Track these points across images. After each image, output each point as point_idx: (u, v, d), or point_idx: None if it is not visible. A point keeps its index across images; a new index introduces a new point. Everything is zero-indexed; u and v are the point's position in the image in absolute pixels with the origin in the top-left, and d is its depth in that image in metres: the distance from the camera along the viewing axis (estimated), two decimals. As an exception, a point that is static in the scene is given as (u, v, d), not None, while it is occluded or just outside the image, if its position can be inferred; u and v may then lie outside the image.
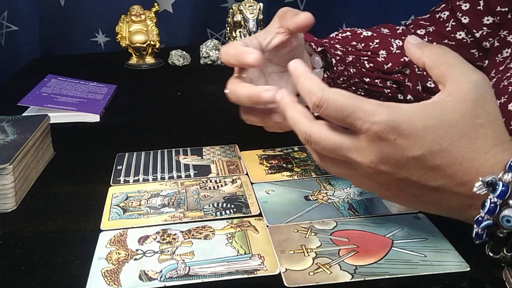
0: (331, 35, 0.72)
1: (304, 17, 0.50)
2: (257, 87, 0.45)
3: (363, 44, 0.69)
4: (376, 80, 0.68)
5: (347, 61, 0.67)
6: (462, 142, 0.37)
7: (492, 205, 0.37)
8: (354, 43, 0.69)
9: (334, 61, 0.63)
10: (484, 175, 0.37)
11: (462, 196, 0.39)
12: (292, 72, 0.41)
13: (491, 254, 0.39)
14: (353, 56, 0.67)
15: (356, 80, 0.67)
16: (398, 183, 0.39)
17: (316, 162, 0.43)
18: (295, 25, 0.51)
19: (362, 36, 0.70)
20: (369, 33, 0.70)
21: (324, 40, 0.69)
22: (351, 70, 0.67)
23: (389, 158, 0.37)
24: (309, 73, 0.40)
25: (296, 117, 0.40)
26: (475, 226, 0.38)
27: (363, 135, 0.37)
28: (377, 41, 0.69)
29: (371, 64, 0.68)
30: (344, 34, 0.71)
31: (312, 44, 0.64)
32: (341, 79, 0.66)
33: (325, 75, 0.64)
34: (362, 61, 0.68)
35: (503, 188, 0.36)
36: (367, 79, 0.68)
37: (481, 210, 0.37)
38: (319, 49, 0.64)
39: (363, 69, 0.68)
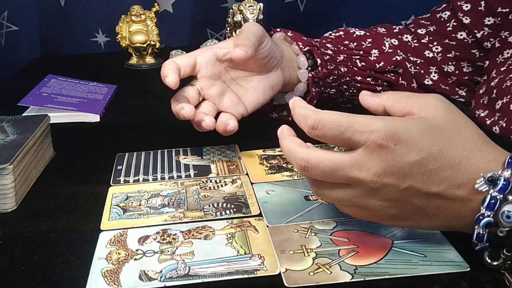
0: (325, 35, 0.72)
1: (238, 54, 0.54)
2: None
3: (355, 43, 0.69)
4: (368, 79, 0.68)
5: (338, 60, 0.67)
6: (455, 142, 0.38)
7: (493, 200, 0.37)
8: (346, 42, 0.69)
9: (319, 61, 0.63)
10: (482, 172, 0.38)
11: (463, 199, 0.39)
12: (290, 106, 0.42)
13: (489, 261, 0.39)
14: (345, 55, 0.68)
15: (348, 79, 0.67)
16: (402, 195, 0.39)
17: (313, 193, 0.44)
18: (229, 57, 0.56)
19: (355, 35, 0.70)
20: (362, 33, 0.70)
21: (316, 40, 0.69)
22: (342, 69, 0.67)
23: (392, 167, 0.37)
24: (303, 102, 0.41)
25: (291, 147, 0.41)
26: (476, 226, 0.38)
27: (362, 148, 0.37)
28: (370, 40, 0.69)
29: (363, 63, 0.68)
30: (337, 34, 0.72)
31: (300, 43, 0.64)
32: (331, 78, 0.66)
33: (310, 75, 0.64)
34: (354, 60, 0.68)
35: (504, 183, 0.37)
36: (359, 78, 0.68)
37: (481, 207, 0.38)
38: (306, 48, 0.64)
39: (354, 68, 0.68)
